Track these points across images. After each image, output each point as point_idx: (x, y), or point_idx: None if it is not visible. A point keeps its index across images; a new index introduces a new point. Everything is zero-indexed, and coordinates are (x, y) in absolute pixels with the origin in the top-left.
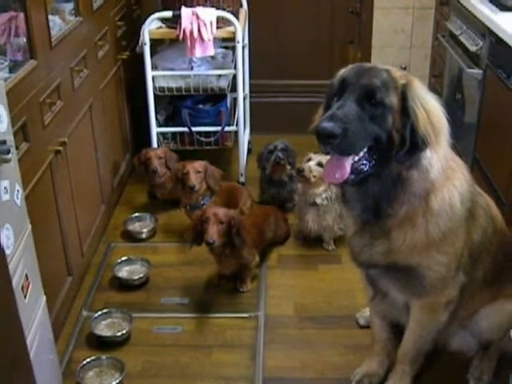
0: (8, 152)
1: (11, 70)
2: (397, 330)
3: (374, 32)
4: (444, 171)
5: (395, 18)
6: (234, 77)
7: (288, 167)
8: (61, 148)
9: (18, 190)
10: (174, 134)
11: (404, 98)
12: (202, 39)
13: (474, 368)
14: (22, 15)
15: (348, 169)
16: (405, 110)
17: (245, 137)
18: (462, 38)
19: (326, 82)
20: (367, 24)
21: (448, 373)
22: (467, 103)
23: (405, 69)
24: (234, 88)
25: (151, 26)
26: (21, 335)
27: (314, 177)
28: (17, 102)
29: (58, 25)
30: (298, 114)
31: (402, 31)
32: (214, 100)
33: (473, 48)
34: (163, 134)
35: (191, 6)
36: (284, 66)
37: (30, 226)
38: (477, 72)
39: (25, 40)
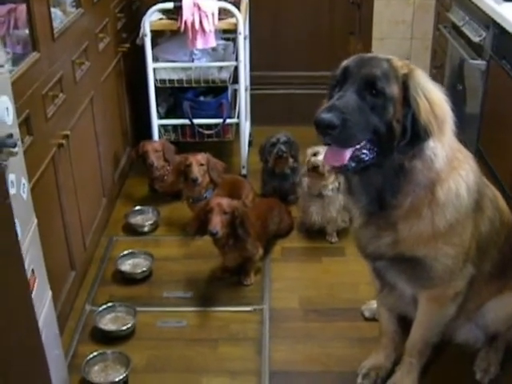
0: (15, 145)
1: (13, 62)
2: (404, 323)
3: (374, 23)
4: (450, 161)
5: (396, 9)
6: (235, 68)
7: (290, 160)
8: (63, 141)
9: (23, 184)
10: (174, 126)
11: (405, 87)
12: (203, 31)
13: (481, 360)
14: (21, 7)
15: (348, 154)
16: (406, 100)
17: (246, 129)
18: (465, 29)
19: (326, 73)
20: (368, 15)
21: (455, 365)
22: (468, 94)
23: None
24: (234, 80)
25: (152, 18)
26: (36, 329)
27: (328, 171)
28: (20, 94)
29: (59, 17)
30: (298, 105)
31: (403, 22)
32: (215, 92)
33: (476, 39)
34: (164, 127)
35: None
36: (284, 57)
37: (35, 221)
38: (480, 63)
39: (26, 32)
